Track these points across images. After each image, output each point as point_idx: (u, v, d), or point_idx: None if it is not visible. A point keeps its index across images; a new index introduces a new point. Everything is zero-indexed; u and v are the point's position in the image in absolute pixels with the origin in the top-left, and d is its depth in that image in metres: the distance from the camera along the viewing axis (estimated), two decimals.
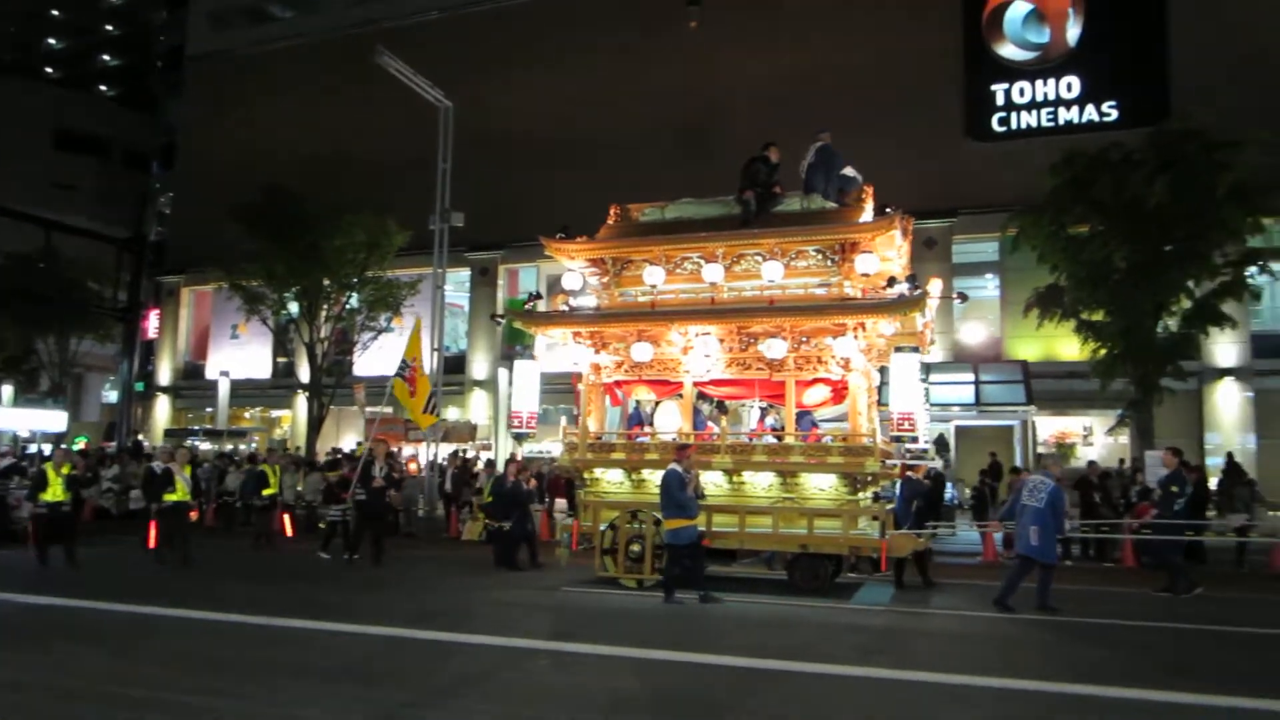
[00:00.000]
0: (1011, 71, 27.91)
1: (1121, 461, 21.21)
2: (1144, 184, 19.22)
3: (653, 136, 29.84)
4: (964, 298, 16.36)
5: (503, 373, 28.41)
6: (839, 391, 12.11)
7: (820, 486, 11.73)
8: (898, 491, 12.41)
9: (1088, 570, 15.24)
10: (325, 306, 28.53)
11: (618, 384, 13.09)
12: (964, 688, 7.20)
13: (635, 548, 12.01)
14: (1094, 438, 26.22)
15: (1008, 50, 28.02)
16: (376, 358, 29.04)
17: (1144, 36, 26.67)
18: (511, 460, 15.58)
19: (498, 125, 31.39)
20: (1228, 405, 25.30)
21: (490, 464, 22.56)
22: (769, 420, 12.92)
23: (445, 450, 23.62)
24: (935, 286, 12.82)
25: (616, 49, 31.52)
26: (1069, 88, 27.38)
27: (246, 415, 37.64)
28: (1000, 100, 27.89)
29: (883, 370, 12.93)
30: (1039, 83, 27.67)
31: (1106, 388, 20.65)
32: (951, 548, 17.01)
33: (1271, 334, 25.36)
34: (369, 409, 25.90)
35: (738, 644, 8.77)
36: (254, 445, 30.92)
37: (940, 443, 21.13)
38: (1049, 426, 26.22)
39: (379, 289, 28.54)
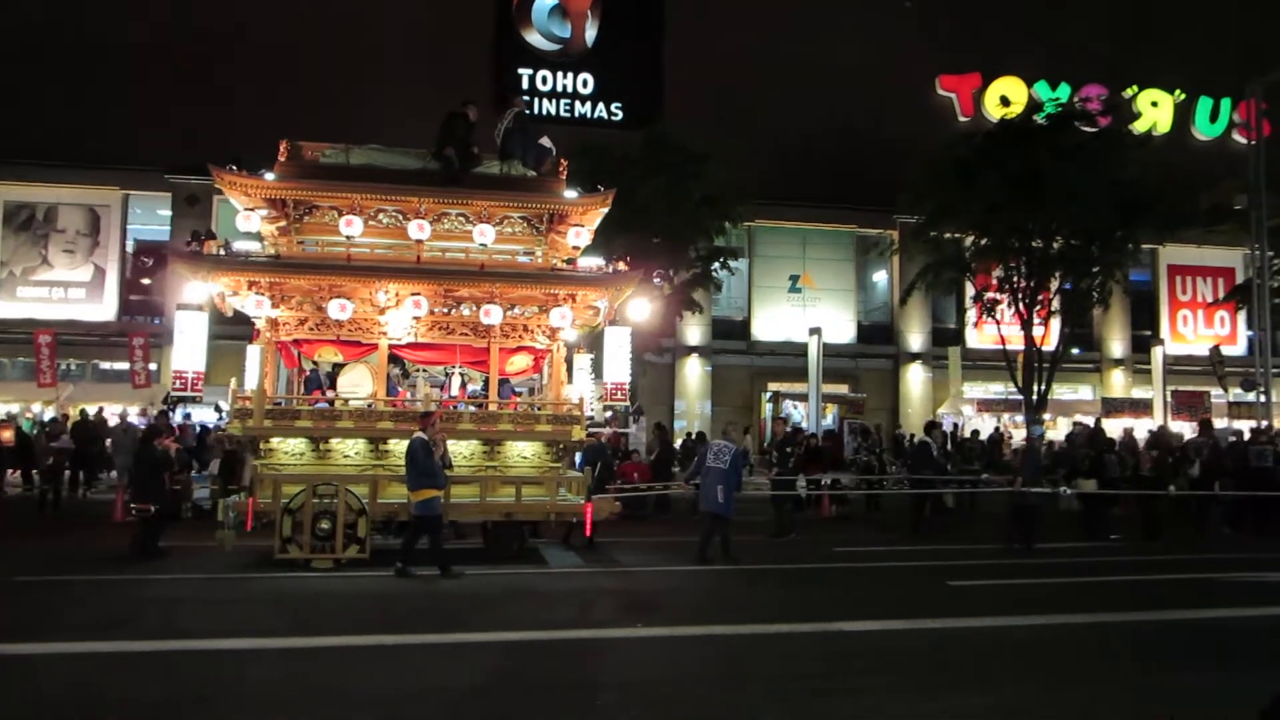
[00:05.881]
0: (536, 59, 29.64)
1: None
2: (638, 182, 22.17)
3: None
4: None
5: None
6: (539, 360, 12.28)
7: (524, 454, 11.83)
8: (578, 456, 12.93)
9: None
10: None
11: (297, 343, 11.62)
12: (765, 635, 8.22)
13: (324, 525, 10.87)
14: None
15: (534, 38, 29.68)
16: None
17: (645, 49, 30.24)
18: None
19: None
20: (693, 377, 30.04)
21: None
22: (470, 388, 12.55)
23: None
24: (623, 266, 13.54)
25: None
26: (584, 84, 29.99)
27: None
28: (525, 84, 29.46)
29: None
30: (559, 74, 29.83)
31: None
32: None
33: (726, 319, 30.63)
34: None
35: (516, 618, 8.62)
36: None
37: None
38: None
39: None
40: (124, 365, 24.70)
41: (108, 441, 18.94)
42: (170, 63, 26.36)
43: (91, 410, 21.36)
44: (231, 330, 17.27)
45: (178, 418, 17.20)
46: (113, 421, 20.54)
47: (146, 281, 27.30)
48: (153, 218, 27.71)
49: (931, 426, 16.24)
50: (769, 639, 8.06)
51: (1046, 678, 6.92)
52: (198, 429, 18.12)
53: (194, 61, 26.27)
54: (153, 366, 24.40)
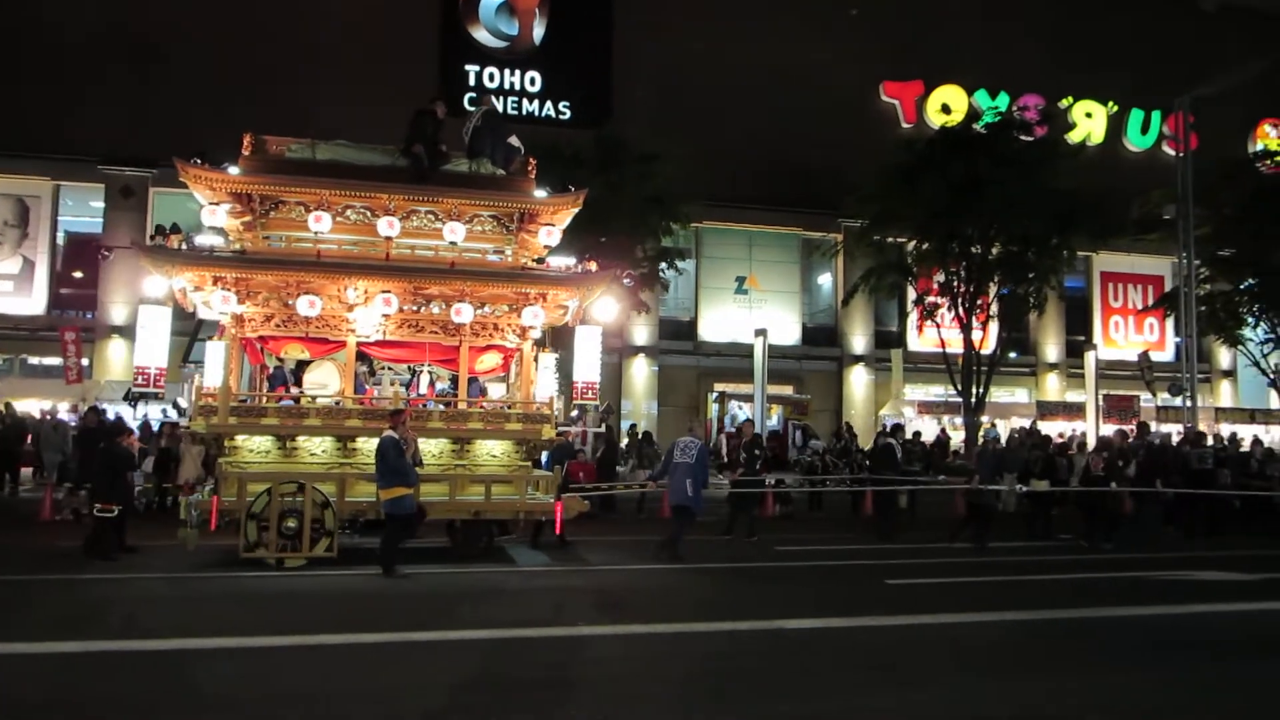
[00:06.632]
0: (483, 56, 29.43)
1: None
2: (589, 181, 22.18)
3: None
4: None
5: None
6: (509, 359, 12.24)
7: (493, 453, 11.78)
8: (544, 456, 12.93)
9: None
10: None
11: (262, 339, 11.40)
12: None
13: (291, 523, 10.69)
14: None
15: (481, 35, 29.47)
16: None
17: (593, 48, 30.19)
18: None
19: None
20: (639, 377, 30.10)
21: None
22: (438, 386, 12.45)
23: None
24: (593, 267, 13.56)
25: None
26: (532, 82, 29.87)
27: None
28: (472, 81, 29.25)
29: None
30: (507, 72, 29.67)
31: None
32: None
33: (673, 320, 30.76)
34: None
35: (484, 616, 8.64)
36: None
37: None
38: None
39: None
40: (54, 360, 23.92)
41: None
42: (106, 50, 25.50)
43: (21, 407, 20.62)
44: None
45: (113, 415, 16.67)
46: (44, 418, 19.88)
47: (78, 275, 26.44)
48: (85, 209, 26.84)
49: (897, 430, 16.68)
50: (718, 636, 8.17)
51: (984, 674, 7.11)
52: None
53: (131, 50, 25.47)
54: (85, 361, 23.66)
